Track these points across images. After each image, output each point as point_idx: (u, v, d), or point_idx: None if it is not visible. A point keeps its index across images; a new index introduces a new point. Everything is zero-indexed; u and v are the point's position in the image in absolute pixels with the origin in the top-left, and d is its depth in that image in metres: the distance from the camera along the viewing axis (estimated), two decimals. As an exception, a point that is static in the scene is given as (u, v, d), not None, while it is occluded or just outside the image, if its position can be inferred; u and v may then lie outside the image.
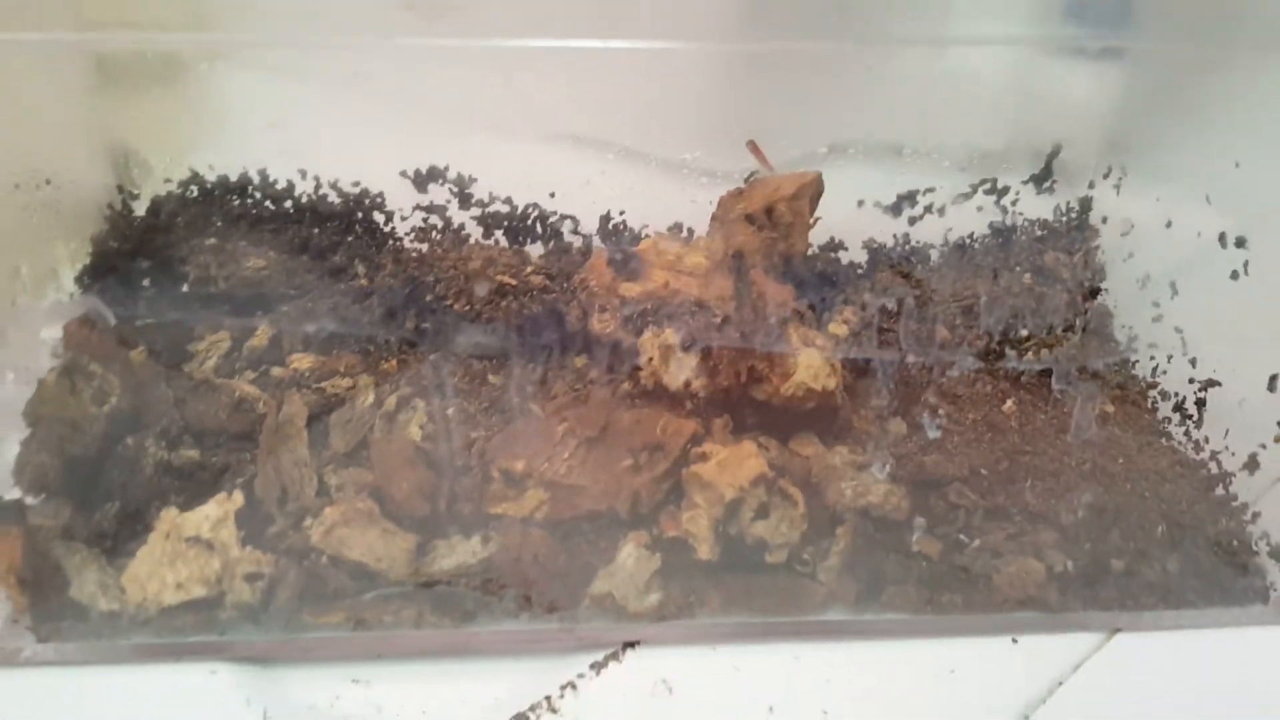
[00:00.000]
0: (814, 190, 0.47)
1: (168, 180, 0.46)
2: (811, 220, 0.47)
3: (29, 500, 0.36)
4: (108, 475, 0.37)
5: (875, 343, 0.45)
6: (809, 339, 0.41)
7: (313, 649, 0.36)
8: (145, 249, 0.44)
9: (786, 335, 0.42)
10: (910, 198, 0.50)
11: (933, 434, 0.41)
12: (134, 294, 0.43)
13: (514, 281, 0.44)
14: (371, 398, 0.40)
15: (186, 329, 0.43)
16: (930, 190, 0.50)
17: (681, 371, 0.41)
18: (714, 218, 0.47)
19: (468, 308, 0.43)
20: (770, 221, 0.46)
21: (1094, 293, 0.50)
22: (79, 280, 0.41)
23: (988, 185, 0.51)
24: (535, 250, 0.49)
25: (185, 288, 0.44)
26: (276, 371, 0.42)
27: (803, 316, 0.44)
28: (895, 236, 0.51)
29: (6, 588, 0.34)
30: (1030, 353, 0.45)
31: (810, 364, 0.40)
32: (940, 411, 0.43)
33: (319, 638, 0.36)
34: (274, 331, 0.44)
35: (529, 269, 0.45)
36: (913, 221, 0.51)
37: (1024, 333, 0.46)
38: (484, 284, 0.44)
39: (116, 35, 0.41)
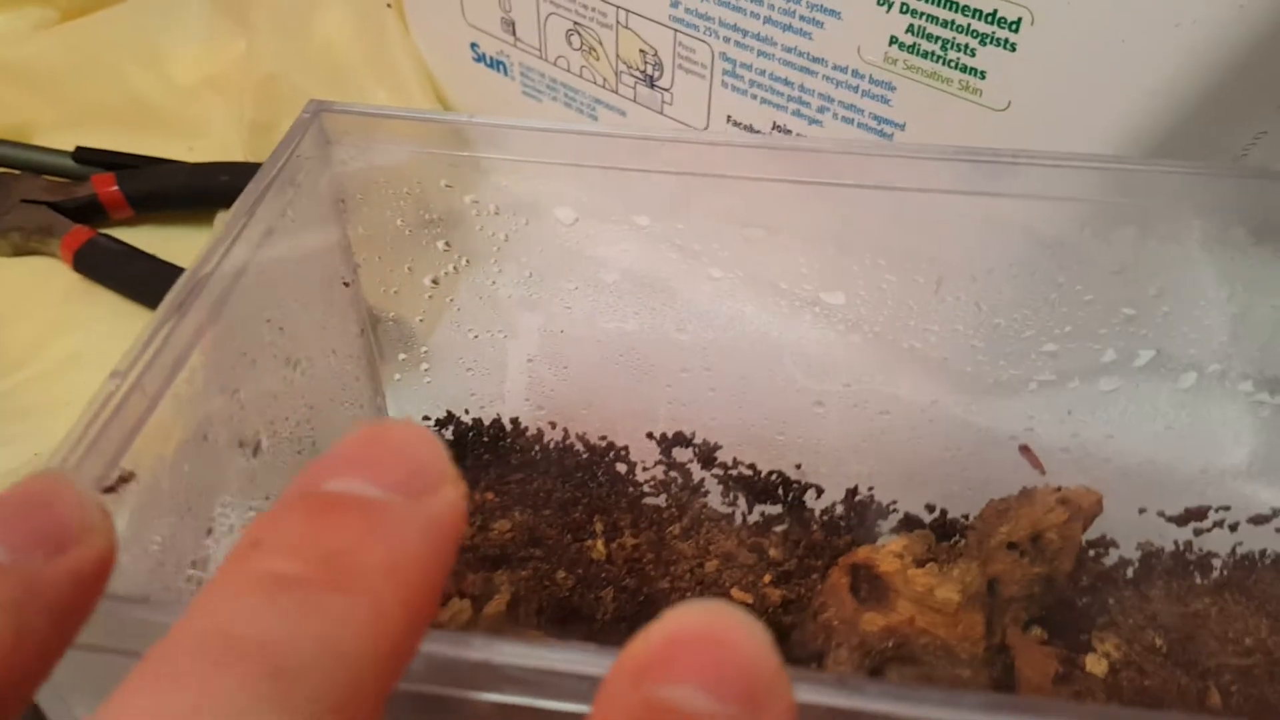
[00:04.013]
0: (1091, 514, 0.43)
1: (426, 418, 0.47)
2: (1082, 542, 0.44)
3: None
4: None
5: (1139, 685, 0.42)
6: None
7: None
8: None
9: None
10: (1200, 513, 0.45)
11: None
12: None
13: (749, 598, 0.42)
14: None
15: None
16: (1225, 508, 0.45)
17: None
18: (972, 534, 0.44)
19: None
20: (1035, 549, 0.42)
21: None
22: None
23: (1293, 508, 0.45)
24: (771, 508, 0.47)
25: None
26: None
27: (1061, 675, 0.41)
28: (1176, 543, 0.46)
29: None
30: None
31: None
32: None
33: None
34: (510, 596, 0.44)
35: (767, 578, 0.43)
36: (1198, 533, 0.46)
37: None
38: (716, 592, 0.43)
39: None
